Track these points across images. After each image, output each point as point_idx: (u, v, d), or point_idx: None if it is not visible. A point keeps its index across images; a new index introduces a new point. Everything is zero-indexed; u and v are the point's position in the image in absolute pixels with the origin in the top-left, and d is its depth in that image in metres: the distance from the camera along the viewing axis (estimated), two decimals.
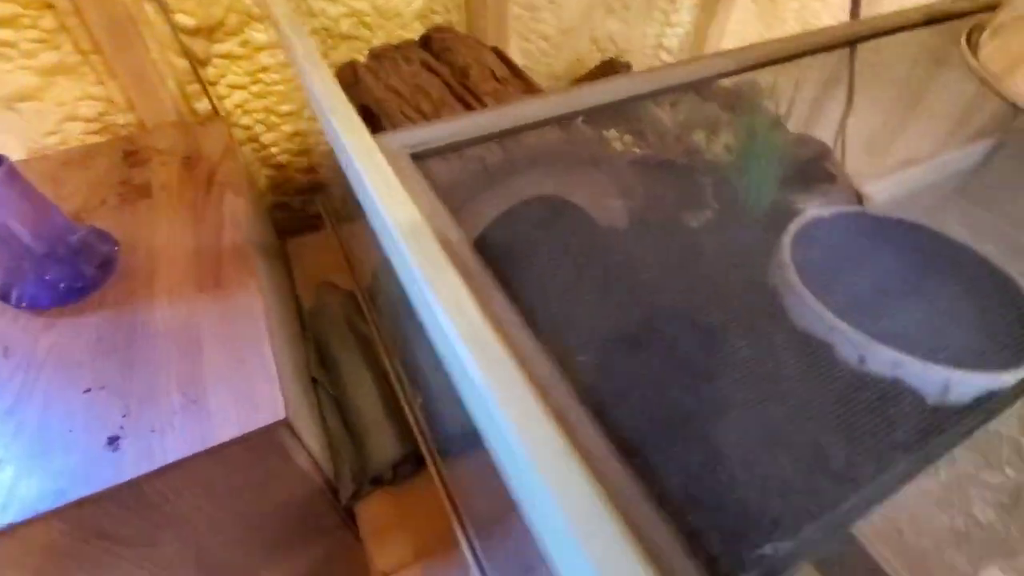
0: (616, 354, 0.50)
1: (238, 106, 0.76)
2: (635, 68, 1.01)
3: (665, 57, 1.08)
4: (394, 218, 0.26)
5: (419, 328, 0.25)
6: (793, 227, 0.68)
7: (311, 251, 0.82)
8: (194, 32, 0.69)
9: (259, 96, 0.76)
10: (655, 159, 0.75)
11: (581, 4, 0.91)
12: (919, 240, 0.71)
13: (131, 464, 0.40)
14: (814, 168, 0.81)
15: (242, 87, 0.75)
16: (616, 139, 0.76)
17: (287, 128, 0.81)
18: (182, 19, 0.67)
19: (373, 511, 0.57)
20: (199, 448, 0.41)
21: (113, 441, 0.41)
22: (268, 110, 0.78)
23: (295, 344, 0.61)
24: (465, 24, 0.85)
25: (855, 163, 0.84)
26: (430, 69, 0.68)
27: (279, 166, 0.84)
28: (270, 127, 0.80)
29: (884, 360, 0.58)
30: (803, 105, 0.77)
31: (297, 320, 0.69)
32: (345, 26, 0.77)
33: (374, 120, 0.65)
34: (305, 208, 0.89)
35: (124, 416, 0.42)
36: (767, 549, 0.36)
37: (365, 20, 0.77)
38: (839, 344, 0.60)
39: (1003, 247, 0.67)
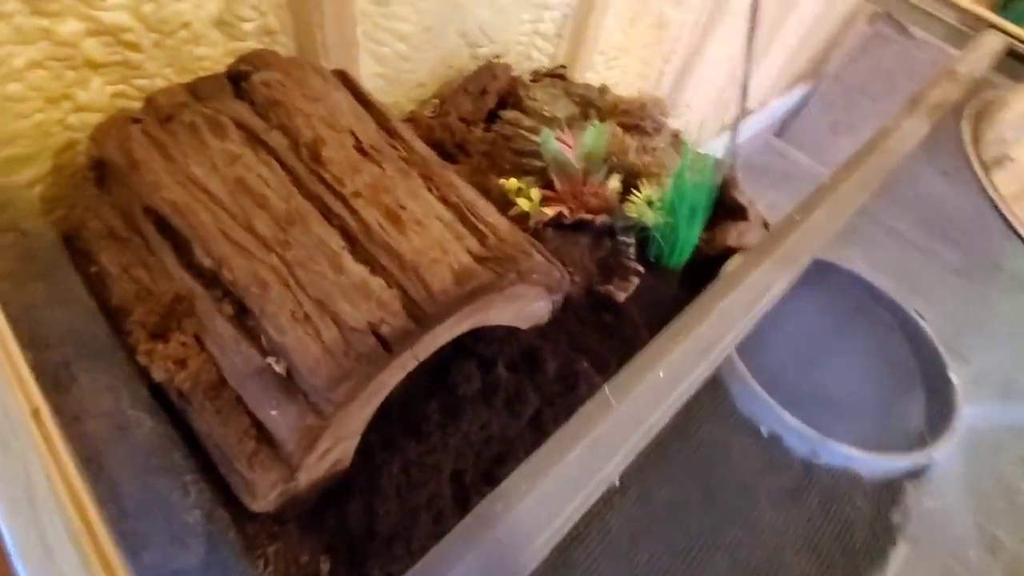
0: None
1: None
2: (509, 61, 0.83)
3: (541, 44, 0.91)
4: None
5: None
6: None
7: None
8: None
9: None
10: (569, 220, 0.61)
11: None
12: (840, 289, 0.69)
13: None
14: (725, 200, 0.73)
15: None
16: (522, 193, 0.61)
17: None
18: None
19: None
20: None
21: None
22: None
23: None
24: (292, 31, 0.60)
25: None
26: (254, 140, 0.45)
27: None
28: None
29: (837, 454, 0.55)
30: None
31: None
32: (93, 50, 0.48)
33: (172, 234, 0.41)
34: None
35: None
36: None
37: (126, 39, 0.49)
38: (788, 438, 0.56)
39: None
